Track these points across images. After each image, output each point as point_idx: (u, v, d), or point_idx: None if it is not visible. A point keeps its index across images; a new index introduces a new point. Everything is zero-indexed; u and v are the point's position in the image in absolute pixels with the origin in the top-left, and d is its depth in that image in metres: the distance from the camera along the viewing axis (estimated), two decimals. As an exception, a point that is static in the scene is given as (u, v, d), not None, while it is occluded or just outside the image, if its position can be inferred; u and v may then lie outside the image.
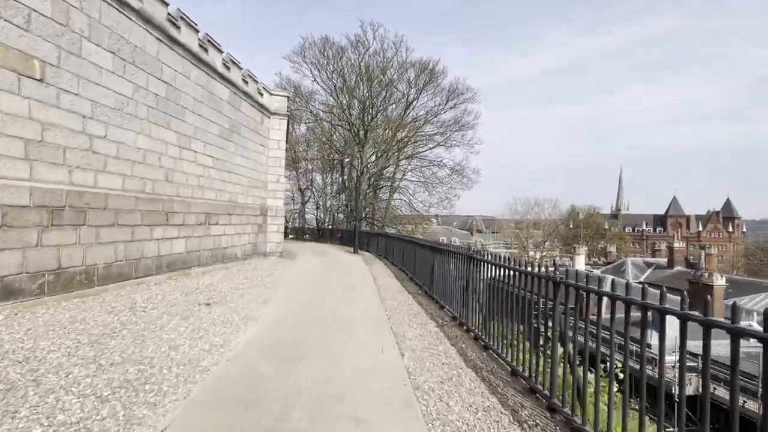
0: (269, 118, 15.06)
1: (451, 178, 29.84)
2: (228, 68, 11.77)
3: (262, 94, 14.23)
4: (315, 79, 26.75)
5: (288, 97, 15.38)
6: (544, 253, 63.43)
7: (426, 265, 8.92)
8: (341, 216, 38.87)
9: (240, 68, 12.58)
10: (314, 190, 43.37)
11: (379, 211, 31.95)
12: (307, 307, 6.95)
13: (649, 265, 39.50)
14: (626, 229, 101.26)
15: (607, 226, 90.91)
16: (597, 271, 36.58)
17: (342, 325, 5.70)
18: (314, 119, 28.42)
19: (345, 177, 33.34)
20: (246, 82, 12.99)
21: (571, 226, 75.33)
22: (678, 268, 35.56)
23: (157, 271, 8.66)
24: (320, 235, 31.58)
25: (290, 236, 36.96)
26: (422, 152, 30.76)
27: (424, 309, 7.15)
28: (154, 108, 8.64)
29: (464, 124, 30.20)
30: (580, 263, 43.51)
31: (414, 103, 28.49)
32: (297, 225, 40.24)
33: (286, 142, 19.00)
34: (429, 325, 5.97)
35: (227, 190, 12.05)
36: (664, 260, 40.26)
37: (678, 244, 37.35)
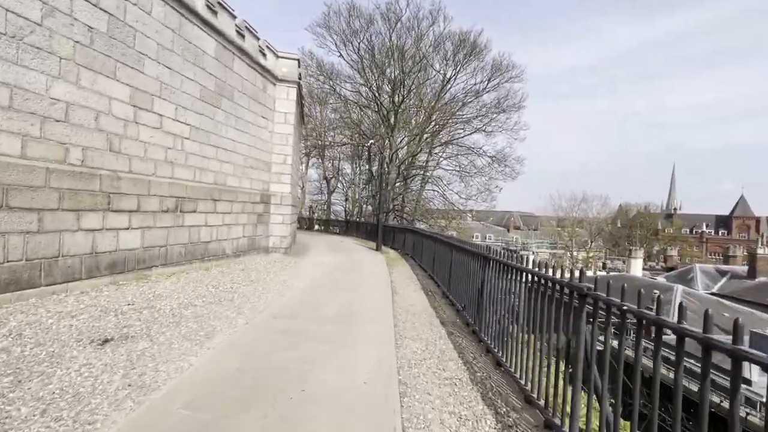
0: (275, 85, 12.46)
1: (492, 168, 26.34)
2: (214, 12, 9.20)
3: (264, 55, 11.61)
4: (340, 54, 24.13)
5: (298, 60, 12.74)
6: (590, 255, 57.89)
7: (466, 278, 5.96)
8: (370, 208, 36.28)
9: (233, 16, 9.98)
10: (343, 180, 41.05)
11: (409, 203, 28.97)
12: (252, 374, 4.20)
13: (722, 273, 33.94)
14: (683, 231, 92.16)
15: (660, 227, 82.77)
16: (660, 278, 31.73)
17: None
18: (340, 100, 25.82)
19: (373, 164, 30.55)
20: (242, 36, 10.39)
21: (619, 225, 68.73)
22: (762, 278, 30.06)
23: (89, 274, 6.24)
24: (347, 228, 29.07)
25: (316, 228, 34.88)
26: (459, 138, 27.39)
27: (468, 363, 4.20)
28: (86, 47, 6.15)
29: (508, 106, 26.49)
30: (637, 268, 38.45)
31: (451, 82, 25.20)
32: (323, 217, 38.07)
33: (301, 118, 16.43)
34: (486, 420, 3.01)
35: (212, 169, 9.56)
36: (741, 268, 34.57)
37: (763, 251, 31.59)
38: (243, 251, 11.05)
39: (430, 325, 5.66)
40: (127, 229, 7.01)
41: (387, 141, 24.74)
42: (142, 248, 7.38)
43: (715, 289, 31.47)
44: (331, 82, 24.13)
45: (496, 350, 4.26)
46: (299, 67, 13.33)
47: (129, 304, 5.47)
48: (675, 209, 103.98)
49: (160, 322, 4.79)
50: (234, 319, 5.21)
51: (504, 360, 3.93)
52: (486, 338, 4.68)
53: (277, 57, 12.37)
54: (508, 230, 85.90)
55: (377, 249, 16.85)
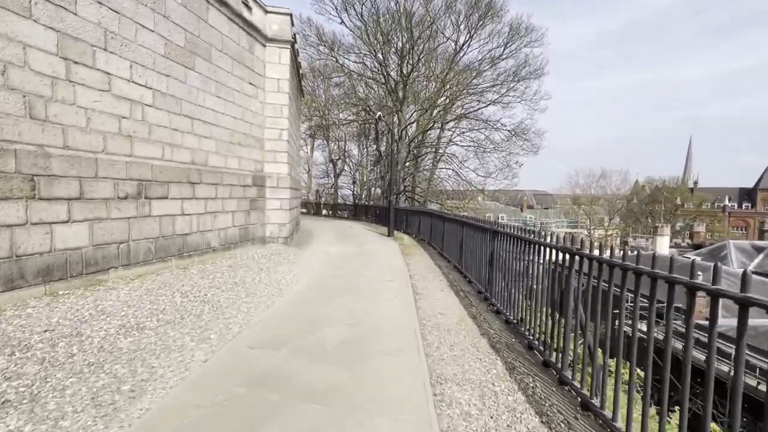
0: (264, 46, 10.54)
1: (510, 142, 24.14)
2: (177, -55, 7.27)
3: (249, 7, 9.66)
4: (342, 21, 21.84)
5: (290, 15, 10.73)
6: (609, 233, 55.51)
7: (517, 278, 4.20)
8: (379, 191, 34.50)
9: (204, -46, 8.04)
10: (350, 162, 39.14)
11: (420, 184, 27.04)
12: None
13: (759, 249, 31.52)
14: (704, 205, 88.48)
15: (680, 202, 79.33)
16: (695, 257, 29.46)
17: None
18: (343, 73, 23.68)
19: (381, 144, 28.53)
20: (218, -20, 8.46)
21: (635, 201, 65.77)
22: (806, 254, 27.68)
23: (8, 285, 4.63)
24: (356, 212, 27.39)
25: (324, 213, 33.31)
26: (474, 111, 25.14)
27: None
28: (-21, -32, 4.36)
29: (528, 73, 24.04)
30: (663, 246, 36.18)
31: (464, 49, 22.82)
32: (330, 201, 36.43)
33: (299, 88, 14.51)
34: None
35: (187, 145, 7.82)
36: (780, 244, 32.08)
37: (807, 224, 28.99)
38: (234, 243, 9.41)
39: (475, 350, 3.92)
40: (67, 222, 5.35)
41: (396, 116, 22.69)
42: (92, 246, 5.74)
43: (751, 267, 29.19)
44: (332, 53, 22.02)
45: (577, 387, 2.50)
46: (292, 24, 11.34)
47: (46, 331, 3.84)
48: (695, 183, 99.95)
49: (69, 368, 3.13)
50: (190, 354, 3.55)
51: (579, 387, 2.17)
52: (552, 362, 2.93)
53: (266, 12, 10.40)
54: (521, 209, 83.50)
55: (389, 235, 15.13)
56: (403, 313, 5.05)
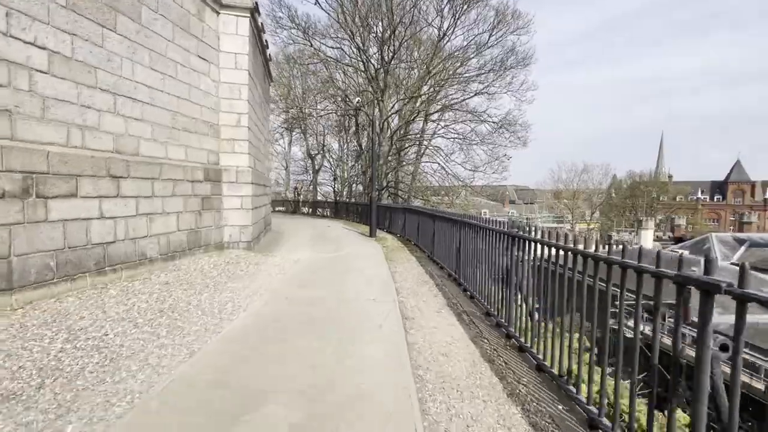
0: (217, 13, 8.78)
1: (499, 135, 22.94)
2: None
3: (194, -38, 7.90)
4: (317, 1, 19.93)
5: (248, -25, 9.04)
6: (591, 227, 55.67)
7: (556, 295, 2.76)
8: (360, 188, 32.94)
9: None
10: (331, 158, 37.34)
11: (404, 179, 25.58)
12: None
13: (740, 242, 31.65)
14: (677, 198, 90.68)
15: (655, 195, 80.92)
16: (681, 250, 29.28)
17: None
18: (319, 59, 21.87)
19: (362, 137, 26.91)
20: None
21: (613, 195, 66.49)
22: (788, 246, 27.72)
23: None
24: (336, 210, 25.72)
25: (303, 211, 31.49)
26: (459, 101, 23.83)
27: None
28: None
29: (514, 62, 22.88)
30: (648, 239, 36.04)
31: (449, 34, 21.39)
32: (309, 198, 34.60)
33: (265, 69, 12.72)
34: None
35: (108, 128, 6.05)
36: (759, 235, 32.31)
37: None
38: (180, 251, 7.67)
39: (509, 436, 2.44)
40: None
41: (377, 107, 21.12)
42: (-59, 267, 3.98)
43: (734, 259, 29.11)
44: (306, 37, 20.21)
45: None
46: (253, -10, 9.60)
47: None
48: (670, 176, 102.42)
49: None
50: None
51: None
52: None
53: (218, -29, 8.65)
54: (503, 205, 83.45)
55: (371, 235, 13.59)
56: (391, 359, 3.52)
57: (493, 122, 22.34)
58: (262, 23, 11.03)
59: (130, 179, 6.38)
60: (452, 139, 23.31)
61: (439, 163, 22.61)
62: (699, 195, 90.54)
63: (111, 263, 6.01)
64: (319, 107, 28.16)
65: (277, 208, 35.84)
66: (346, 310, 4.98)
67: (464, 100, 23.70)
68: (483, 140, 22.35)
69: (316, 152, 34.09)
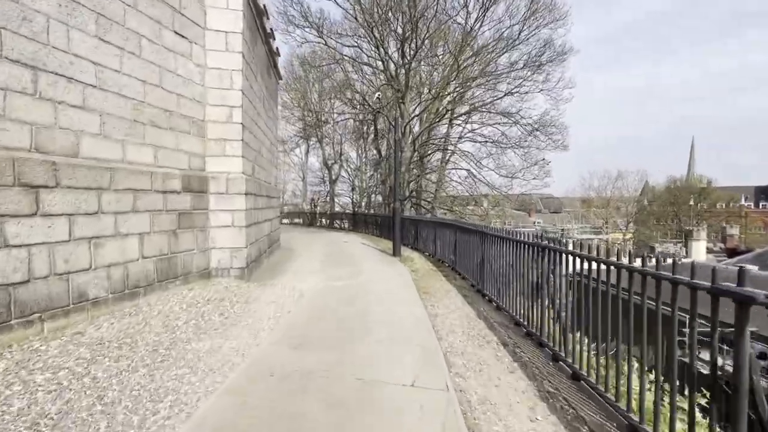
0: (202, -19, 7.01)
1: (534, 138, 20.51)
2: None
3: None
4: (332, -4, 18.29)
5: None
6: (627, 237, 51.72)
7: None
8: (380, 198, 31.04)
9: None
10: (349, 167, 35.65)
11: (428, 187, 23.41)
12: None
13: (813, 254, 27.79)
14: (717, 206, 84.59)
15: (692, 202, 75.57)
16: (745, 264, 25.74)
17: None
18: (335, 60, 20.17)
19: (381, 144, 25.02)
20: None
21: (645, 202, 62.07)
22: None
23: None
24: (355, 222, 23.80)
25: (320, 224, 29.76)
26: (489, 102, 21.61)
27: None
28: None
29: (550, 57, 20.57)
30: (700, 252, 32.40)
31: (476, 29, 19.34)
32: (327, 210, 32.90)
33: (269, 61, 10.85)
34: None
35: (19, 115, 4.21)
36: (835, 247, 28.28)
37: None
38: (147, 284, 5.74)
39: None
40: None
41: (397, 109, 19.16)
42: None
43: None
44: (321, 36, 18.58)
45: None
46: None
47: None
48: (709, 182, 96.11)
49: None
50: None
51: None
52: None
53: (202, -72, 6.89)
54: (529, 214, 79.91)
55: (394, 253, 11.46)
56: None
57: (528, 124, 20.01)
58: (264, 6, 9.25)
59: (59, 190, 4.50)
60: (481, 143, 21.05)
61: (468, 171, 20.34)
62: (743, 201, 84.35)
63: (21, 314, 4.09)
64: (335, 113, 26.51)
65: (294, 220, 34.34)
66: (362, 412, 2.84)
67: (494, 101, 21.50)
68: (518, 144, 19.94)
69: (333, 161, 32.43)
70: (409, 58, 18.20)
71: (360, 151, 34.40)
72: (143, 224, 5.73)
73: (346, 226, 24.63)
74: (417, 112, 19.97)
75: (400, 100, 19.08)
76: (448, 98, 20.40)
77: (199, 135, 7.06)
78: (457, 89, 19.28)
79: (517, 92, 21.70)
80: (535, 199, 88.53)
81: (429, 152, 22.38)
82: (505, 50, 18.67)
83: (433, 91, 19.06)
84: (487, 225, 6.76)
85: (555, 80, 22.20)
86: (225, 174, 7.28)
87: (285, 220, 33.57)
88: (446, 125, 24.04)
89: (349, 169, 36.16)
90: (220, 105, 7.25)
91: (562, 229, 35.62)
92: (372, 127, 26.75)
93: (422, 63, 18.85)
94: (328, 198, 35.37)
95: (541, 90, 22.06)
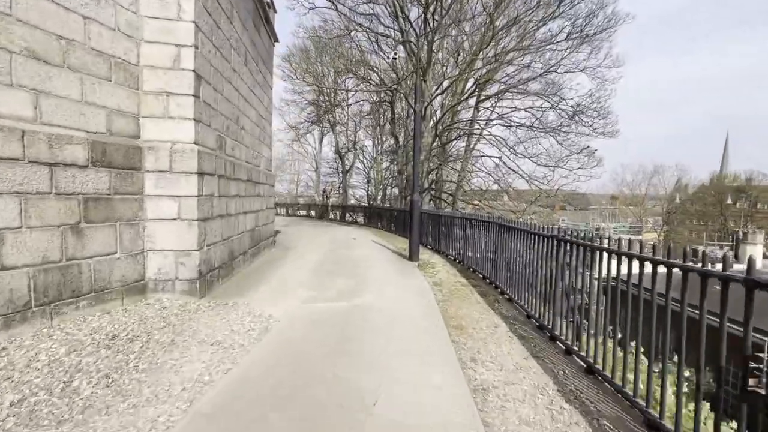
0: None
1: (575, 123, 17.60)
2: None
3: None
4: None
5: None
6: (660, 237, 47.78)
7: None
8: (396, 191, 28.66)
9: None
10: (365, 158, 33.32)
11: (450, 177, 20.81)
12: None
13: None
14: (758, 206, 78.50)
15: (730, 201, 70.13)
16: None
17: None
18: (348, 31, 17.69)
19: (398, 130, 22.52)
20: None
21: (678, 201, 57.52)
22: None
23: None
24: (368, 215, 21.55)
25: (332, 216, 27.66)
26: (520, 82, 18.75)
27: None
28: None
29: (597, 29, 17.58)
30: (757, 257, 28.90)
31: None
32: (340, 202, 30.76)
33: (266, 20, 8.43)
34: None
35: None
36: None
37: None
38: (14, 311, 3.56)
39: None
40: None
41: (421, 85, 16.59)
42: None
43: None
44: (332, 1, 16.11)
45: None
46: None
47: None
48: (749, 179, 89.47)
49: None
50: None
51: None
52: None
53: None
54: (553, 210, 76.13)
55: (410, 257, 9.07)
56: None
57: (570, 107, 17.12)
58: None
59: None
60: (516, 126, 18.18)
61: (499, 159, 17.56)
62: (787, 202, 77.94)
63: None
64: (349, 91, 24.11)
65: (307, 212, 32.29)
66: None
67: (528, 80, 18.62)
68: (558, 129, 16.97)
69: (347, 150, 30.14)
70: (433, 25, 15.58)
71: (376, 141, 32.00)
72: (7, 217, 3.53)
73: (360, 220, 22.37)
74: (441, 89, 17.37)
75: (421, 78, 16.55)
76: (476, 76, 17.70)
77: (129, 85, 4.81)
78: (487, 65, 16.57)
79: (554, 71, 18.77)
80: (560, 194, 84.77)
81: (452, 138, 19.78)
82: (551, 17, 15.73)
83: (462, 62, 16.28)
84: (565, 229, 4.28)
85: (601, 57, 19.20)
86: (168, 144, 5.03)
87: (301, 212, 31.54)
88: (471, 109, 21.33)
89: (364, 160, 33.87)
90: (162, 42, 4.98)
91: (597, 228, 32.44)
92: (389, 112, 24.28)
93: (448, 32, 16.19)
94: (341, 189, 33.19)
95: (584, 69, 19.08)
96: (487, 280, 6.85)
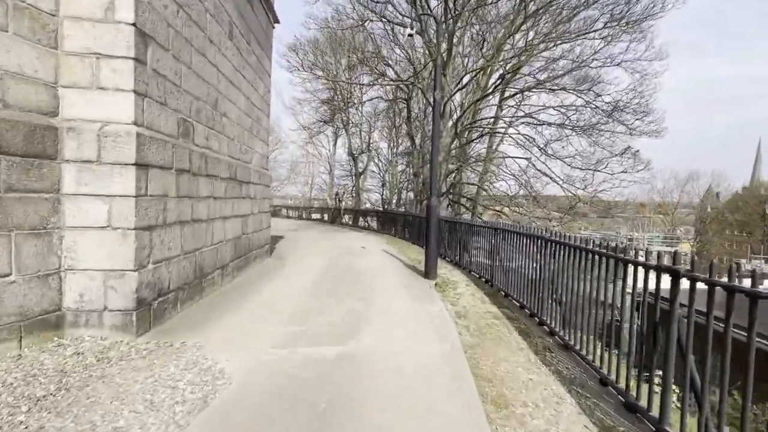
0: None
1: (611, 121, 15.69)
2: None
3: None
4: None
5: None
6: (696, 248, 44.60)
7: None
8: (411, 195, 27.23)
9: None
10: (380, 161, 31.97)
11: (470, 180, 19.15)
12: None
13: None
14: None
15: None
16: None
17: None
18: (361, 21, 16.27)
19: (414, 129, 21.04)
20: None
21: (709, 210, 53.88)
22: None
23: None
24: (383, 221, 20.14)
25: (345, 220, 26.37)
26: (548, 80, 16.97)
27: None
28: None
29: (634, 18, 15.72)
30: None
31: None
32: (353, 206, 29.46)
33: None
34: None
35: None
36: None
37: None
38: None
39: None
40: None
41: (442, 76, 15.14)
42: None
43: None
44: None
45: None
46: None
47: None
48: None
49: None
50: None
51: None
52: None
53: None
54: (573, 218, 72.93)
55: (427, 274, 7.54)
56: None
57: (608, 103, 15.21)
58: None
59: None
60: (541, 127, 16.43)
61: (526, 161, 15.73)
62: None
63: None
64: (363, 91, 22.81)
65: (315, 216, 31.04)
66: None
67: (559, 76, 16.83)
68: (594, 128, 15.01)
69: (360, 151, 28.82)
70: (453, 12, 14.06)
71: (392, 143, 30.62)
72: None
73: (374, 225, 20.94)
74: (462, 85, 15.79)
75: (441, 70, 15.02)
76: (501, 69, 16.07)
77: (40, 40, 3.48)
78: (514, 57, 14.92)
79: (587, 66, 16.95)
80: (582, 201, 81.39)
81: (473, 138, 18.15)
82: (587, 4, 13.93)
83: (487, 51, 14.59)
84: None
85: (641, 49, 17.32)
86: (97, 125, 3.67)
87: (315, 215, 30.30)
88: (494, 107, 19.67)
89: (379, 163, 32.51)
90: (91, -14, 3.64)
91: (629, 239, 30.06)
92: (405, 111, 22.85)
93: (471, 20, 14.65)
94: (353, 192, 31.89)
95: (620, 63, 17.20)
96: (526, 311, 5.27)
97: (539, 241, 4.92)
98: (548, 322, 4.54)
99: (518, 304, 5.59)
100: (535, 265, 5.03)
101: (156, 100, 4.17)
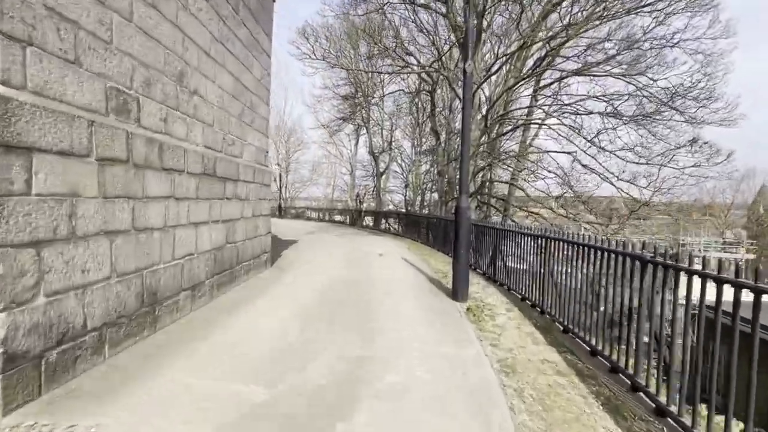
0: None
1: (668, 109, 13.46)
2: None
3: None
4: None
5: None
6: (748, 255, 40.39)
7: None
8: (435, 196, 25.60)
9: None
10: (403, 161, 30.47)
11: (502, 177, 17.29)
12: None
13: None
14: None
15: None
16: None
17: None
18: (380, 3, 14.84)
19: (438, 125, 19.38)
20: None
21: (762, 211, 48.72)
22: None
23: None
24: (405, 223, 18.65)
25: (366, 222, 25.11)
26: (593, 65, 14.87)
27: None
28: None
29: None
30: None
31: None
32: (375, 208, 28.13)
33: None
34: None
35: None
36: None
37: None
38: None
39: None
40: None
41: (471, 60, 13.58)
42: None
43: None
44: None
45: None
46: None
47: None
48: None
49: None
50: None
51: None
52: None
53: None
54: (610, 220, 68.66)
55: (455, 293, 5.95)
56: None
57: (662, 89, 13.02)
58: None
59: None
60: (581, 118, 14.36)
61: (572, 155, 13.69)
62: None
63: None
64: (384, 82, 21.38)
65: (337, 217, 29.84)
66: None
67: (606, 60, 14.74)
68: (651, 116, 12.70)
69: (381, 150, 27.41)
70: (485, -9, 12.40)
71: (415, 142, 29.04)
72: None
73: (397, 228, 19.45)
74: (492, 72, 14.03)
75: (473, 52, 13.38)
76: (537, 54, 14.21)
77: None
78: (555, 35, 13.02)
79: (638, 47, 14.79)
80: (618, 202, 76.83)
81: (504, 132, 16.31)
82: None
83: (525, 30, 12.68)
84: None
85: (704, 26, 14.95)
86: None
87: (337, 217, 29.13)
88: (528, 98, 17.75)
89: (402, 163, 31.00)
90: None
91: (682, 245, 27.15)
92: (429, 106, 21.26)
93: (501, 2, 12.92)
94: (374, 193, 30.53)
95: (678, 42, 14.93)
96: (602, 360, 3.61)
97: (632, 260, 3.25)
98: (652, 392, 2.89)
99: (588, 348, 3.94)
100: (622, 294, 3.38)
101: (57, 54, 2.84)
